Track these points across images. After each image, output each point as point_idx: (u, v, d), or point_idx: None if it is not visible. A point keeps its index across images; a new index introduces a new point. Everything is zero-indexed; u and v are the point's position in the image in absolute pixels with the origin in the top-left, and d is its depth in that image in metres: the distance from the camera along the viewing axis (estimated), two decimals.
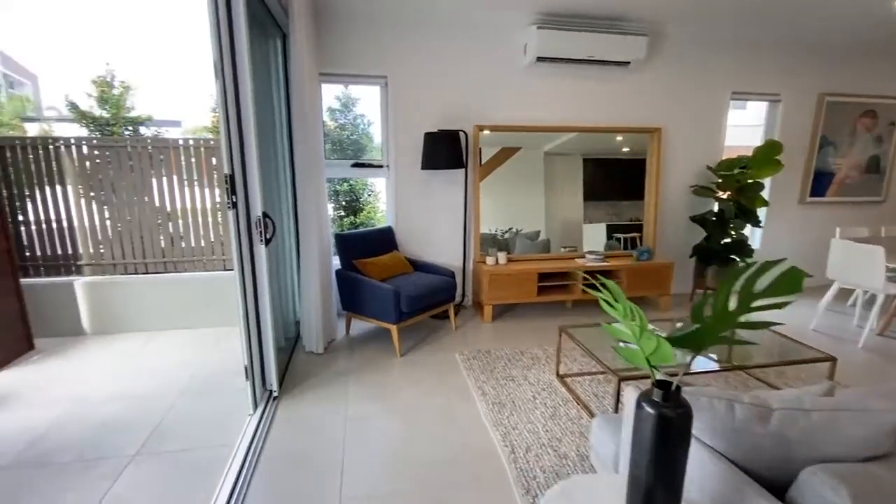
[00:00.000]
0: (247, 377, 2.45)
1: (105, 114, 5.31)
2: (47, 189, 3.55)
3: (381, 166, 4.03)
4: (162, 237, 3.80)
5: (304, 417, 2.51)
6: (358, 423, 2.46)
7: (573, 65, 3.88)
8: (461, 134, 3.81)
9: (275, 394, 2.65)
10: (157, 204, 3.74)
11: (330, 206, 4.61)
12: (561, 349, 2.96)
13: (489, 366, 3.12)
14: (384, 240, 3.89)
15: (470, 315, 4.11)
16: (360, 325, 3.68)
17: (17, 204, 3.54)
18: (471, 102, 3.94)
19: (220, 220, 3.91)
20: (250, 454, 2.15)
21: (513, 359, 3.22)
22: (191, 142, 3.75)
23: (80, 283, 3.65)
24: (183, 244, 3.87)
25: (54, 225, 3.63)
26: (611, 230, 4.43)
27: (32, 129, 10.26)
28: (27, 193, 3.52)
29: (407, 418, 2.52)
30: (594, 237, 4.40)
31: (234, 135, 2.24)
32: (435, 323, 3.91)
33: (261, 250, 2.42)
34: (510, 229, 4.21)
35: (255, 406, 2.51)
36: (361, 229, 3.88)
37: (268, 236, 2.42)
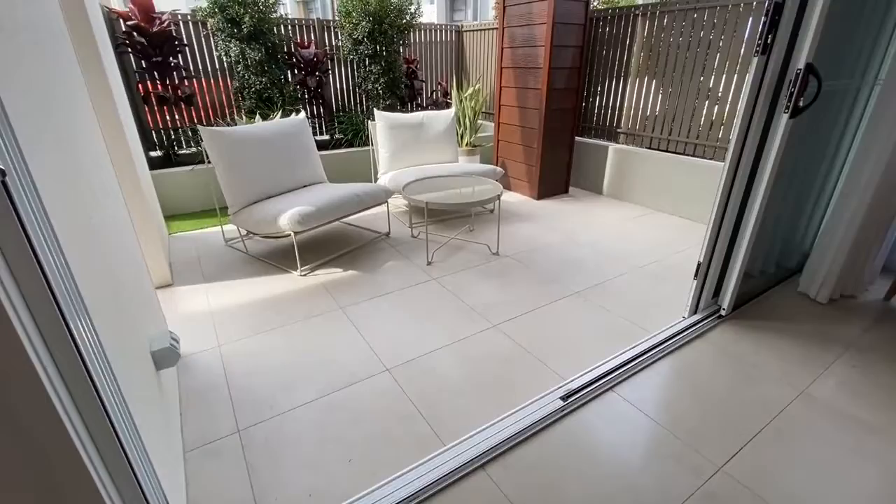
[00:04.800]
0: (696, 275, 2.07)
1: None
2: (615, 59, 3.98)
3: None
4: (692, 118, 3.54)
5: (739, 356, 1.90)
6: (816, 413, 1.61)
7: None
8: None
9: (722, 312, 2.13)
10: (701, 80, 3.42)
11: None
12: None
13: None
14: None
15: None
16: None
17: (591, 69, 4.22)
18: None
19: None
20: (658, 349, 1.89)
21: None
22: None
23: (612, 149, 4.15)
24: (710, 130, 3.46)
25: (611, 93, 4.12)
26: None
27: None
28: (602, 60, 4.11)
29: None
30: None
31: None
32: None
33: (780, 122, 1.73)
34: None
35: (694, 312, 2.14)
36: None
37: (800, 103, 1.66)
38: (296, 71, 4.64)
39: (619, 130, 4.14)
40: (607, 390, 1.67)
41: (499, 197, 2.87)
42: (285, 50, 4.54)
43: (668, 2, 3.48)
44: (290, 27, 4.67)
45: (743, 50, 3.18)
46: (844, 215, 2.15)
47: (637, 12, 3.75)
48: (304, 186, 3.21)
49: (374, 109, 3.82)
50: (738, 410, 1.61)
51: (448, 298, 2.45)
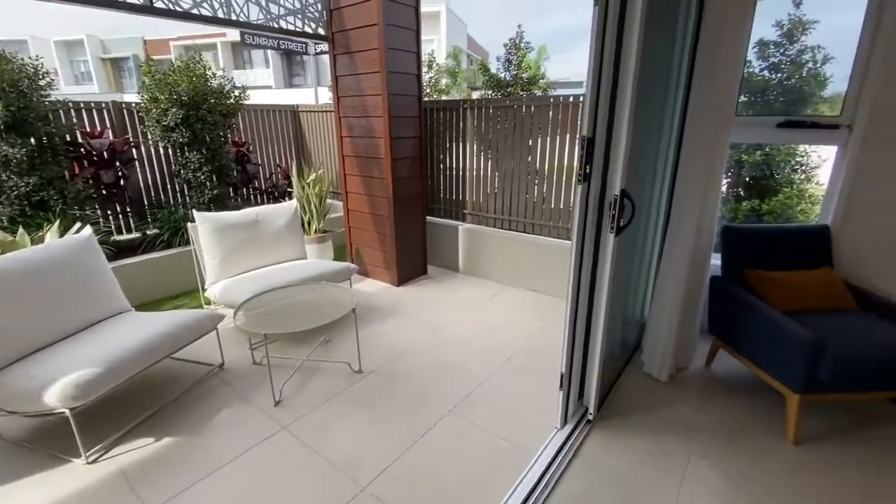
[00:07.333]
0: (561, 386, 2.04)
1: (507, 76, 5.96)
2: (453, 147, 4.15)
3: (833, 126, 2.49)
4: (527, 196, 3.82)
5: (614, 473, 1.88)
6: None
7: None
8: None
9: (590, 416, 2.14)
10: (529, 160, 3.73)
11: (724, 182, 3.39)
12: None
13: None
14: (808, 246, 2.46)
15: None
16: (731, 362, 2.55)
17: (432, 156, 4.34)
18: None
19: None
20: (542, 485, 1.76)
21: None
22: (570, 98, 3.44)
23: (461, 228, 4.24)
24: (543, 206, 3.77)
25: (453, 178, 4.26)
26: None
27: (473, 94, 13.13)
28: (441, 147, 4.25)
29: None
30: None
31: (604, 84, 1.66)
32: (883, 408, 2.25)
33: (608, 241, 1.83)
34: None
35: (564, 422, 2.09)
36: (768, 225, 2.59)
37: (621, 223, 1.78)
38: (86, 163, 3.77)
39: (465, 212, 4.27)
40: None
41: (353, 311, 2.56)
42: (68, 139, 3.67)
43: (490, 98, 3.78)
44: (73, 112, 3.82)
45: (559, 139, 3.56)
46: (666, 294, 2.40)
47: (465, 105, 3.99)
48: (94, 325, 2.45)
49: (193, 210, 3.22)
50: None
51: (304, 457, 2.00)
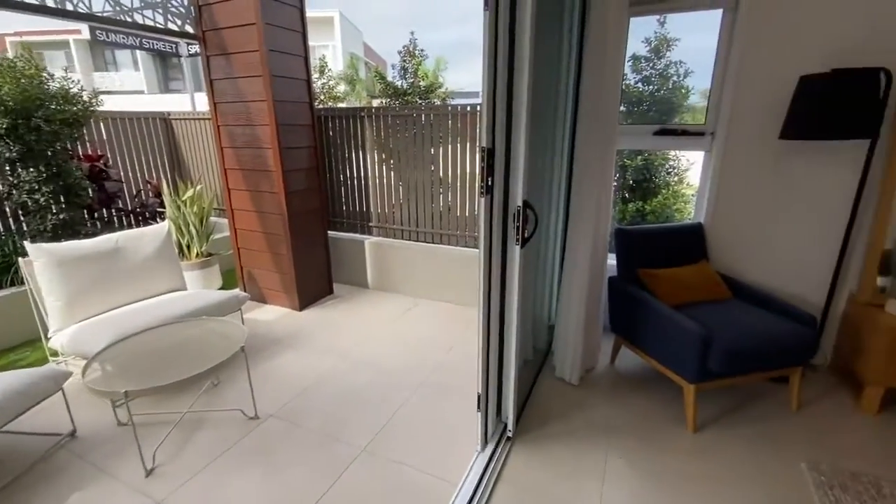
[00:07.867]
0: (479, 407, 1.94)
1: (404, 84, 5.92)
2: (353, 157, 3.93)
3: (699, 134, 2.76)
4: (433, 206, 3.74)
5: (539, 490, 1.83)
6: None
7: None
8: (882, 75, 2.11)
9: (509, 433, 2.08)
10: (432, 169, 3.65)
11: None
12: None
13: None
14: (687, 243, 2.69)
15: (826, 387, 2.49)
16: (633, 357, 2.67)
17: (331, 168, 4.08)
18: None
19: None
20: None
21: None
22: (468, 108, 3.44)
23: (368, 242, 4.02)
24: (449, 215, 3.72)
25: (355, 190, 4.04)
26: None
27: (361, 102, 12.90)
28: (340, 157, 4.01)
29: None
30: None
31: (500, 93, 1.60)
32: (761, 387, 2.50)
33: (514, 252, 1.78)
34: None
35: (485, 442, 2.00)
36: (654, 225, 2.79)
37: (526, 234, 1.74)
38: None
39: (370, 224, 4.06)
40: None
41: (243, 349, 2.22)
42: None
43: (388, 106, 3.63)
44: None
45: (459, 147, 3.53)
46: (572, 298, 2.44)
47: (362, 114, 3.79)
48: None
49: (25, 243, 2.59)
50: None
51: None
